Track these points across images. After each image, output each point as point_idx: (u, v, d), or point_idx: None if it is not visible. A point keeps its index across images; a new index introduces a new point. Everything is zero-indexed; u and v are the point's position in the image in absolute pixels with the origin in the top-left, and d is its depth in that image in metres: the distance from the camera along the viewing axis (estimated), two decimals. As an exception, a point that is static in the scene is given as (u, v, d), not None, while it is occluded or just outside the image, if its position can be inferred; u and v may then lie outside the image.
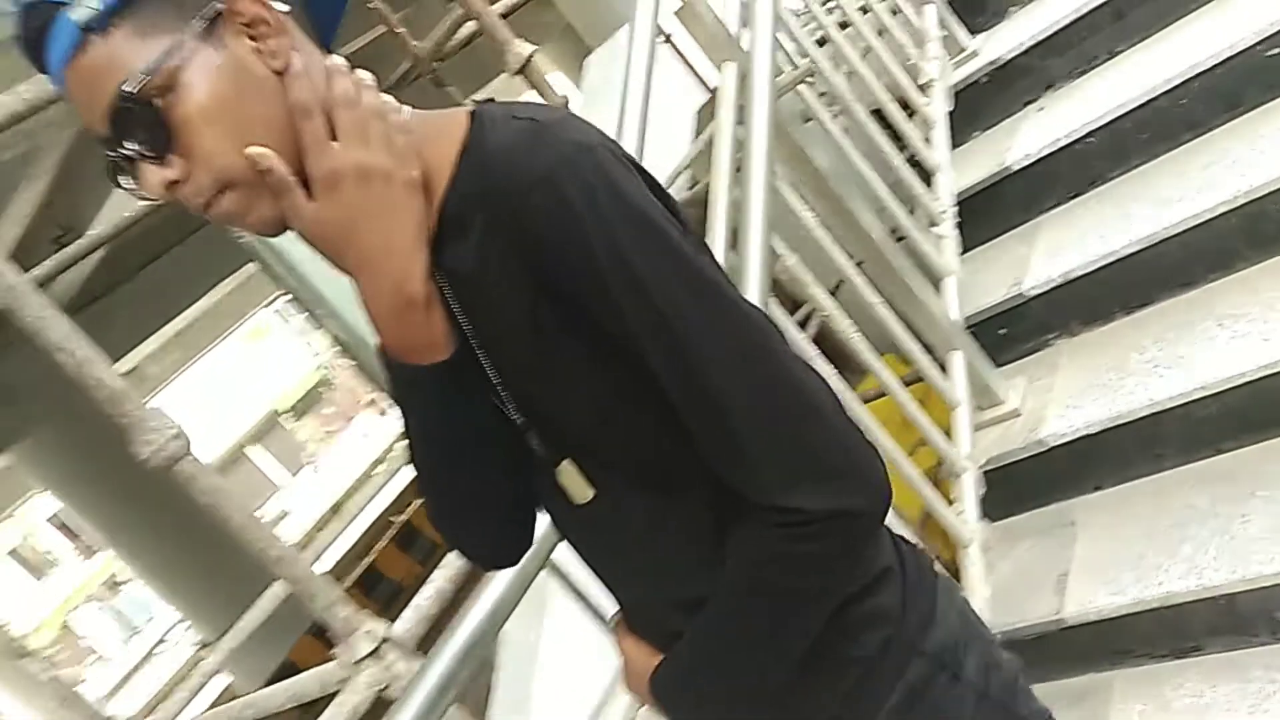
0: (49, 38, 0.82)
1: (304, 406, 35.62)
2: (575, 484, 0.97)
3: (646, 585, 1.04)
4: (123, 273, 10.14)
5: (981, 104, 3.00)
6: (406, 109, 0.94)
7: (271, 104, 0.85)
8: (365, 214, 0.85)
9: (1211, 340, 2.11)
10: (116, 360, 10.78)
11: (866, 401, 2.45)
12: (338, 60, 0.89)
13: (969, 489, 2.20)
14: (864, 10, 2.94)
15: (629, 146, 2.01)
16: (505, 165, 0.85)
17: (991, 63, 2.96)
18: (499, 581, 1.35)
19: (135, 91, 0.81)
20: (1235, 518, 1.91)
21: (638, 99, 2.06)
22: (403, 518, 12.58)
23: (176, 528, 9.74)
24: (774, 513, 0.85)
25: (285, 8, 0.88)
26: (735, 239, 1.90)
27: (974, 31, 3.18)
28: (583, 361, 0.89)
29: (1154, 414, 2.09)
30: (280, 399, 33.93)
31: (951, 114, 3.00)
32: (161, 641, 22.25)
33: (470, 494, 1.04)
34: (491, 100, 0.97)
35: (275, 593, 3.50)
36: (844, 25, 2.87)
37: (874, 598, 0.98)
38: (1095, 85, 2.72)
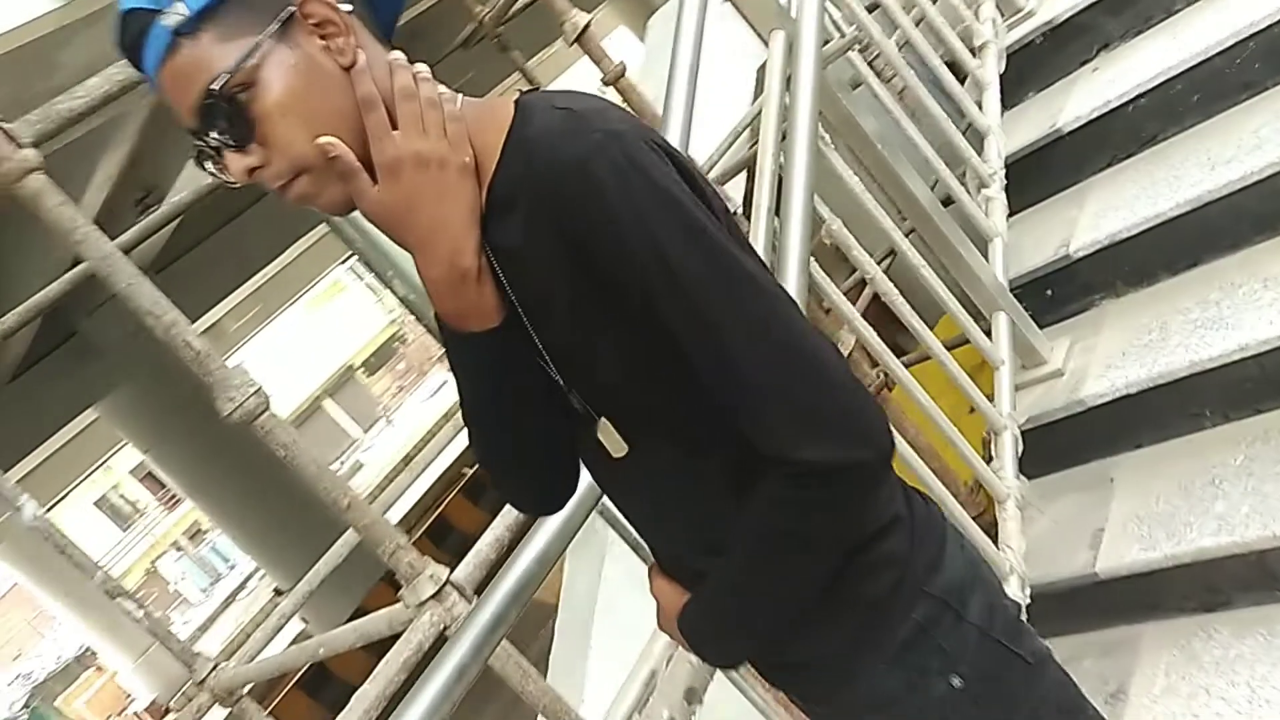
0: (145, 43, 0.94)
1: (377, 361, 36.35)
2: (612, 440, 1.07)
3: (675, 533, 1.15)
4: (202, 233, 10.48)
5: (1036, 64, 3.00)
6: (459, 98, 1.03)
7: (340, 97, 0.95)
8: (423, 197, 0.96)
9: (1256, 302, 2.14)
10: (197, 318, 11.15)
11: (919, 362, 2.53)
12: (398, 55, 1.00)
13: (1008, 447, 2.26)
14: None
15: (677, 109, 2.08)
16: (545, 151, 0.95)
17: (1047, 23, 2.96)
18: (546, 529, 1.47)
19: (220, 89, 0.92)
20: (1269, 477, 1.95)
21: (686, 60, 2.12)
22: (472, 470, 12.84)
23: (254, 480, 10.12)
24: (785, 465, 0.94)
25: (349, 7, 0.98)
26: (779, 205, 1.98)
27: (1031, -10, 3.17)
28: (615, 330, 0.98)
29: (1194, 375, 2.13)
30: (354, 354, 34.67)
31: (1006, 75, 3.01)
32: (242, 588, 23.06)
33: (517, 448, 1.15)
34: (536, 89, 1.07)
35: (347, 540, 3.69)
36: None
37: (883, 543, 1.07)
38: (1150, 45, 2.71)
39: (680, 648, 1.35)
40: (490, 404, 1.11)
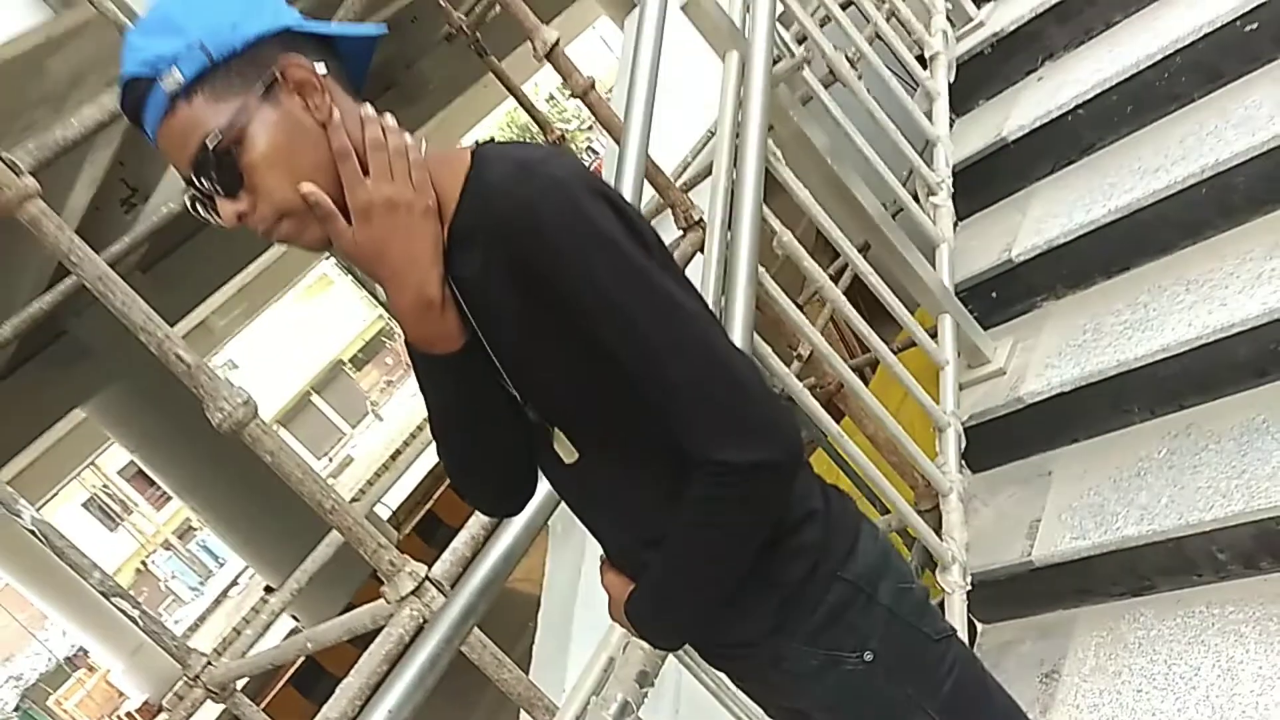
0: (146, 105, 1.07)
1: (365, 356, 36.37)
2: (564, 448, 1.22)
3: (620, 530, 1.30)
4: (187, 231, 10.54)
5: (986, 73, 3.14)
6: (423, 145, 1.17)
7: (318, 149, 1.09)
8: (392, 236, 1.09)
9: (1179, 304, 2.28)
10: (184, 315, 11.21)
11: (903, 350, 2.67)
12: (368, 109, 1.13)
13: (951, 443, 2.41)
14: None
15: (636, 119, 2.21)
16: (500, 196, 1.09)
17: (996, 33, 3.10)
18: (511, 529, 1.62)
19: (213, 145, 1.05)
20: (1187, 469, 2.10)
21: (645, 76, 2.25)
22: (459, 467, 12.94)
23: (243, 479, 10.20)
24: (709, 464, 1.09)
25: (324, 69, 1.11)
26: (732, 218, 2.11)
27: (983, 2, 3.31)
28: (563, 352, 1.13)
29: (1122, 373, 2.27)
30: (342, 349, 34.70)
31: (957, 83, 3.15)
32: (233, 585, 23.13)
33: (480, 456, 1.30)
34: (491, 140, 1.21)
35: (332, 540, 3.82)
36: (846, 4, 3.04)
37: (799, 534, 1.22)
38: (1090, 56, 2.85)
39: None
40: (455, 417, 1.26)
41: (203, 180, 1.08)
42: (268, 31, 1.07)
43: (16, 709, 21.96)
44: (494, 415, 1.23)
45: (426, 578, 2.03)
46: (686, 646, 1.51)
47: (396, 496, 15.97)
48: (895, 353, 2.67)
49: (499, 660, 1.90)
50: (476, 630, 1.67)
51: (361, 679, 1.81)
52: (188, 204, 1.15)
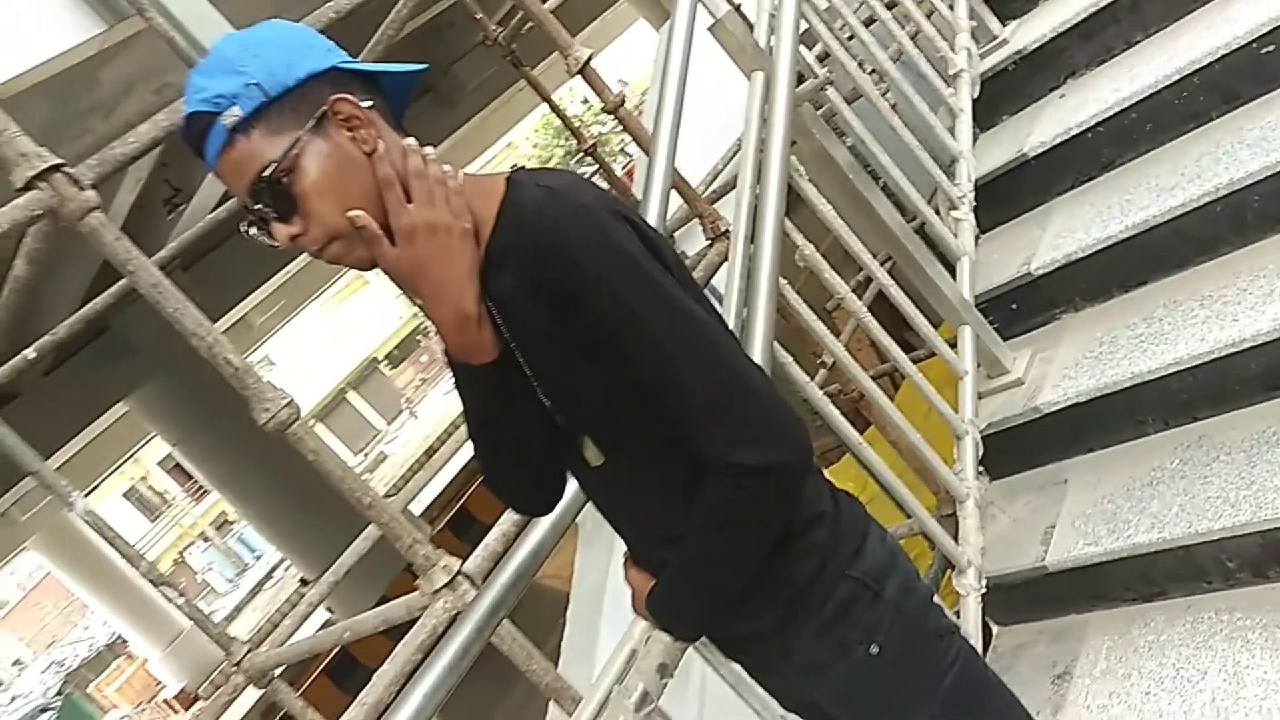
0: (207, 138, 1.18)
1: (400, 354, 36.71)
2: (591, 453, 1.33)
3: (642, 529, 1.40)
4: (228, 230, 10.73)
5: (1009, 90, 3.20)
6: (461, 174, 1.27)
7: (364, 177, 1.19)
8: (433, 257, 1.20)
9: (1193, 319, 2.34)
10: (224, 314, 11.41)
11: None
12: (411, 141, 1.23)
13: (968, 450, 2.48)
14: (890, 6, 3.17)
15: (663, 136, 2.31)
16: (531, 219, 1.19)
17: (1019, 51, 3.16)
18: (540, 527, 1.71)
19: (269, 175, 1.16)
20: (1198, 479, 2.16)
21: (672, 94, 2.34)
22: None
23: (280, 473, 10.38)
24: (723, 468, 1.20)
25: (370, 104, 1.21)
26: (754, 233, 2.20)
27: (1007, 19, 3.37)
28: (587, 364, 1.23)
29: (1137, 385, 2.33)
30: (378, 347, 35.06)
31: (980, 99, 3.21)
32: (268, 578, 23.45)
33: (513, 459, 1.40)
34: (523, 168, 1.31)
35: (369, 534, 3.94)
36: (870, 21, 3.11)
37: (808, 535, 1.32)
38: (1111, 75, 2.91)
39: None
40: (490, 422, 1.37)
41: (259, 206, 1.19)
42: (318, 70, 1.18)
43: (59, 693, 22.40)
44: (526, 421, 1.33)
45: (460, 571, 2.14)
46: (706, 641, 1.60)
47: (431, 492, 16.15)
48: (918, 362, 2.75)
49: (528, 652, 2.00)
50: (506, 623, 1.77)
51: (397, 667, 1.91)
52: (244, 228, 1.25)
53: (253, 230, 1.24)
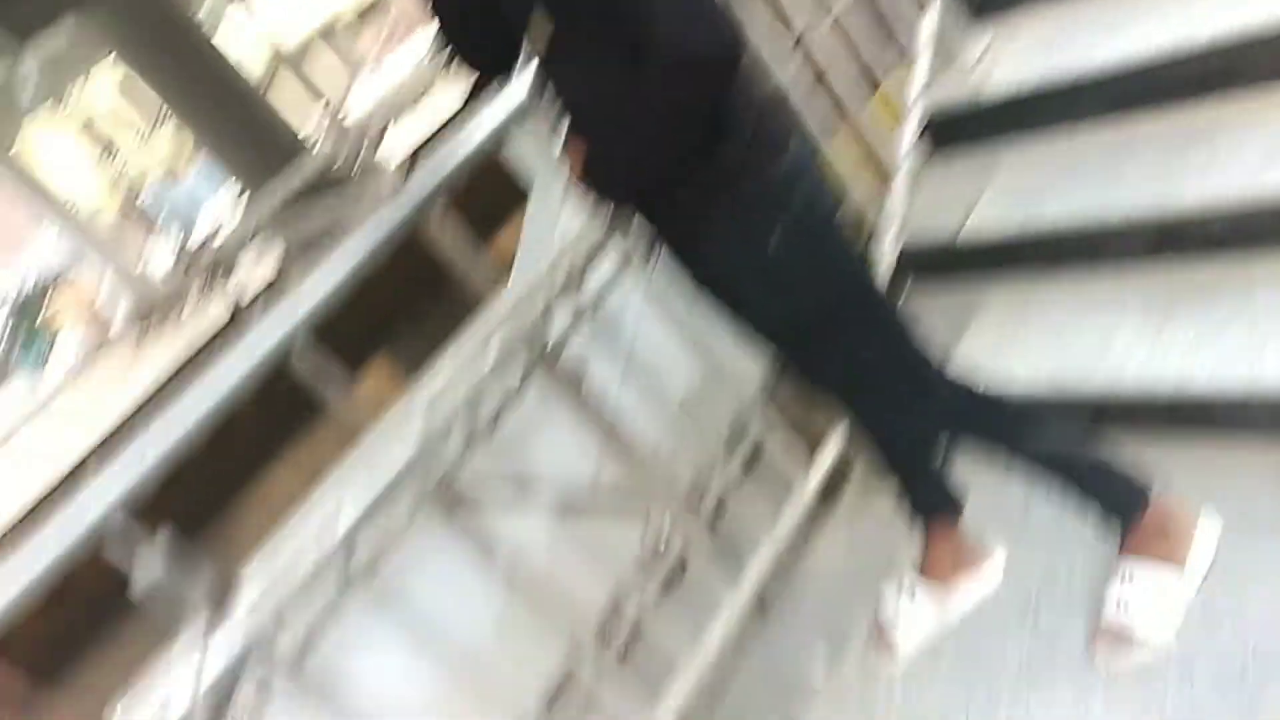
0: None
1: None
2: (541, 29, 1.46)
3: (586, 108, 1.52)
4: None
5: None
6: None
7: None
8: None
9: (1147, 12, 2.37)
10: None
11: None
12: None
13: (909, 127, 2.59)
14: None
15: None
16: None
17: None
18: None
19: None
20: (1117, 166, 2.29)
21: None
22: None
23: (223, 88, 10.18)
24: (661, 57, 1.34)
25: None
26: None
27: None
28: None
29: (1080, 85, 2.40)
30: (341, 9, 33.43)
31: None
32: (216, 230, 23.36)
33: (477, 30, 1.55)
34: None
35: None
36: None
37: (737, 128, 1.47)
38: None
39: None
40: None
41: None
42: None
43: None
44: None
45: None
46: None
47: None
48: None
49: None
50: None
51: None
52: None
53: None
